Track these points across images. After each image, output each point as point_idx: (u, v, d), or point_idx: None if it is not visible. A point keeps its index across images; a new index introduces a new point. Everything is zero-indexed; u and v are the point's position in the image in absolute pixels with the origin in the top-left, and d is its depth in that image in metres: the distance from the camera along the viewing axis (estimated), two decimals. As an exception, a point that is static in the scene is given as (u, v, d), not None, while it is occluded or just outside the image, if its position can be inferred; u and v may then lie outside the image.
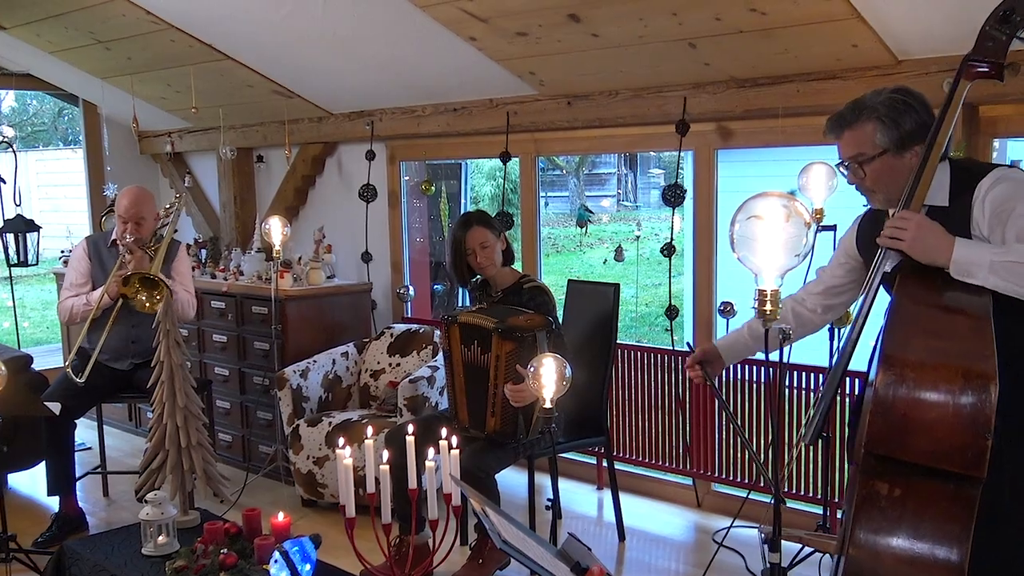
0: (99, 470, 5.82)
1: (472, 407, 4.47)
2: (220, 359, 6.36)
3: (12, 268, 6.39)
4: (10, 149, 6.41)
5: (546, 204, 18.95)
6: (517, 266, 4.84)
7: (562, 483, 5.52)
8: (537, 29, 4.60)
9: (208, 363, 6.46)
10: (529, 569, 2.39)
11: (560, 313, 4.77)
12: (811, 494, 4.79)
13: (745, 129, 4.94)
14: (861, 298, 2.82)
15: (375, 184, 6.51)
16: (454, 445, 3.21)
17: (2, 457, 4.87)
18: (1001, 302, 2.53)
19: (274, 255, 5.70)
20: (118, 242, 5.24)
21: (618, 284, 4.99)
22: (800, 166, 4.31)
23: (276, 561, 3.12)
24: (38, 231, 6.65)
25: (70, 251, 5.82)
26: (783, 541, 2.71)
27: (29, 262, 6.65)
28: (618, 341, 5.05)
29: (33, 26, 6.27)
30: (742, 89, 4.66)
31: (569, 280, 5.32)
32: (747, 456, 5.06)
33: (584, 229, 17.76)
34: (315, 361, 5.75)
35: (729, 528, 4.63)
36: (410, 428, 3.35)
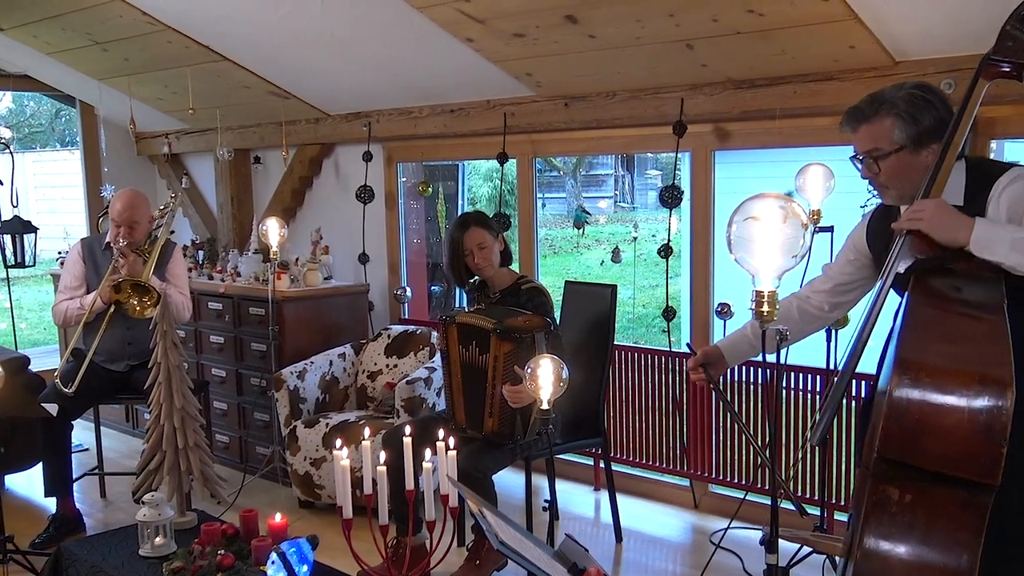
0: (96, 471, 5.81)
1: (470, 408, 4.47)
2: (217, 360, 6.36)
3: (9, 269, 6.39)
4: (7, 150, 6.41)
5: (543, 205, 18.97)
6: (514, 267, 4.84)
7: (559, 484, 5.53)
8: (534, 30, 4.60)
9: (205, 364, 6.46)
10: (526, 570, 2.39)
11: (557, 314, 4.77)
12: (808, 495, 4.79)
13: (742, 130, 4.94)
14: (873, 295, 2.78)
15: (372, 185, 6.51)
16: (451, 446, 3.21)
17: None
18: (1017, 298, 2.51)
19: (271, 256, 5.70)
20: (112, 245, 5.23)
21: (615, 285, 4.99)
22: (797, 167, 4.32)
23: (273, 562, 3.12)
24: (35, 232, 6.65)
25: (67, 252, 5.81)
26: (785, 542, 2.70)
27: (26, 263, 6.65)
28: (615, 342, 5.05)
29: (30, 27, 6.27)
30: (739, 90, 4.66)
31: (566, 281, 5.32)
32: (745, 457, 5.06)
33: (581, 230, 17.74)
34: (312, 362, 5.75)
35: (726, 529, 4.64)
36: (407, 429, 3.36)
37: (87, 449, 6.50)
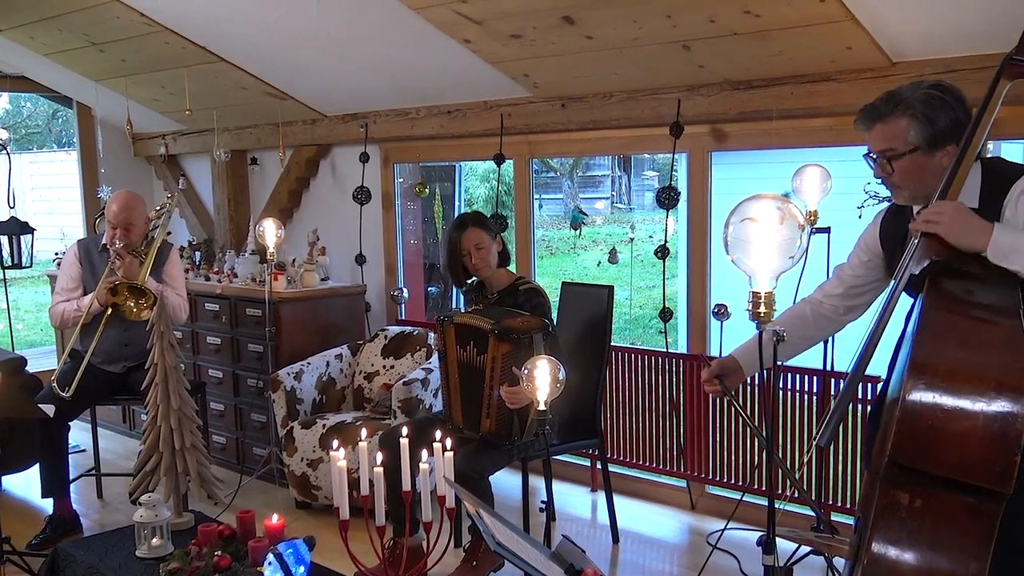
0: (93, 472, 5.81)
1: (467, 408, 4.47)
2: (214, 361, 6.36)
3: (6, 270, 6.39)
4: (4, 151, 6.41)
5: (540, 206, 18.93)
6: (511, 268, 4.84)
7: (556, 485, 5.51)
8: (531, 31, 4.60)
9: (202, 365, 6.46)
10: (523, 571, 2.39)
11: (554, 315, 4.77)
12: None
13: (739, 131, 4.95)
14: (885, 296, 2.73)
15: (369, 186, 6.51)
16: (448, 447, 3.21)
17: (-4, 459, 4.87)
18: None
19: (268, 257, 5.70)
20: (108, 247, 5.22)
21: (612, 286, 5.00)
22: (794, 168, 4.32)
23: (270, 563, 3.12)
24: (32, 233, 6.65)
25: (63, 254, 5.81)
26: (783, 543, 2.70)
27: (23, 264, 6.65)
28: (612, 343, 5.06)
29: (27, 28, 6.26)
30: (736, 91, 4.67)
31: (563, 282, 5.33)
32: (742, 458, 5.06)
33: (578, 231, 17.72)
34: (309, 363, 5.74)
35: (723, 530, 4.64)
36: (404, 430, 3.35)
37: (84, 450, 6.50)
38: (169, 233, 5.51)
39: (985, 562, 2.30)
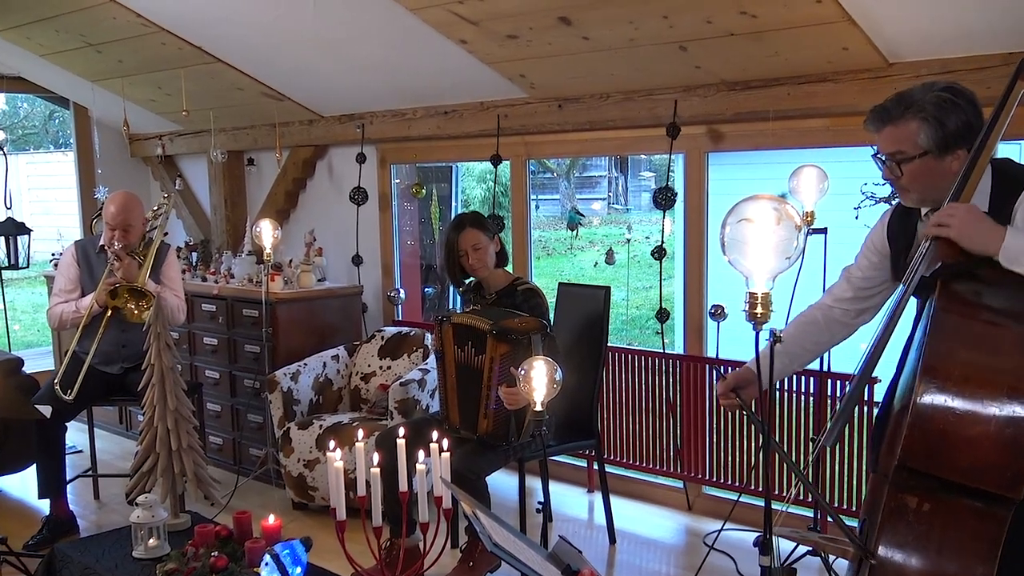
0: (90, 473, 5.81)
1: (464, 408, 4.47)
2: (211, 362, 6.36)
3: (3, 271, 6.39)
4: (1, 152, 6.41)
5: (536, 207, 18.95)
6: (508, 268, 4.84)
7: (553, 486, 5.52)
8: (528, 32, 4.60)
9: (199, 366, 6.45)
10: (520, 572, 2.39)
11: (551, 316, 4.76)
12: (802, 497, 4.79)
13: (736, 132, 4.95)
14: (893, 301, 2.70)
15: (366, 187, 6.51)
16: (445, 448, 3.21)
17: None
18: None
19: (265, 258, 5.70)
20: (106, 249, 5.22)
21: (609, 287, 5.00)
22: (791, 169, 4.32)
23: (267, 564, 3.12)
24: (29, 234, 6.65)
25: (60, 254, 5.80)
26: (788, 545, 2.69)
27: (20, 265, 6.65)
28: (609, 344, 5.05)
29: (24, 29, 6.26)
30: (733, 92, 4.67)
31: (560, 283, 5.32)
32: (738, 459, 5.07)
33: (575, 232, 17.74)
34: (306, 364, 5.74)
35: (720, 531, 4.64)
36: (401, 431, 3.35)
37: (81, 451, 6.49)
38: (166, 234, 5.50)
39: (992, 566, 2.30)
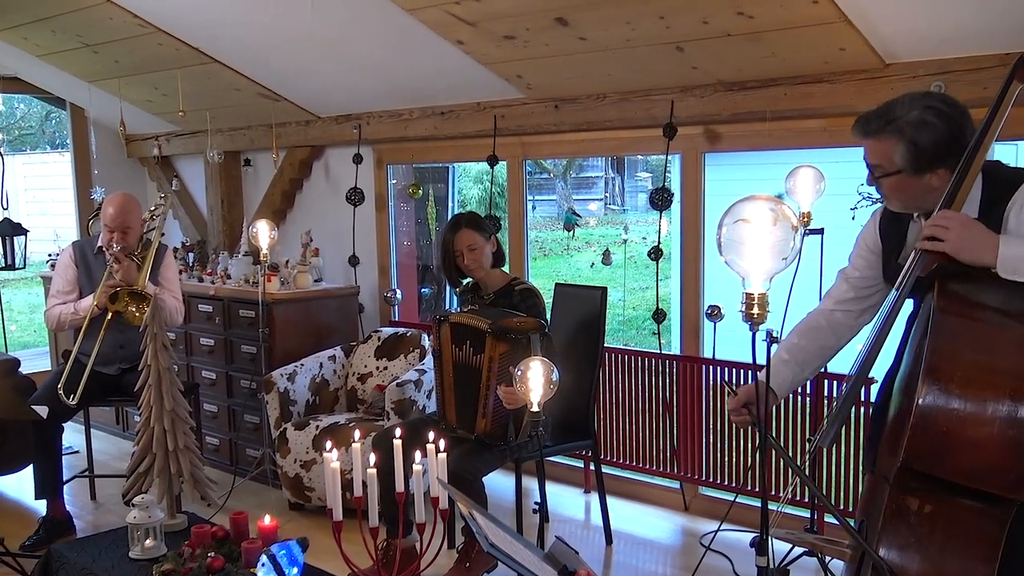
0: (86, 473, 5.81)
1: (461, 408, 4.47)
2: (207, 363, 6.35)
3: (-1, 271, 6.38)
4: (-3, 152, 6.40)
5: (533, 207, 18.91)
6: (505, 269, 4.84)
7: (549, 486, 5.52)
8: (524, 32, 4.60)
9: (195, 367, 6.45)
10: (516, 572, 2.39)
11: (548, 316, 4.77)
12: (798, 497, 4.79)
13: (732, 132, 4.95)
14: (887, 305, 2.69)
15: (362, 188, 6.51)
16: (441, 448, 3.21)
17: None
18: None
19: (261, 258, 5.70)
20: (105, 250, 5.21)
21: (605, 288, 5.00)
22: (787, 169, 4.32)
23: (263, 565, 3.12)
24: (25, 235, 6.64)
25: (57, 255, 5.79)
26: (783, 545, 2.69)
27: (16, 266, 6.64)
28: (605, 344, 5.05)
29: (20, 29, 6.26)
30: (729, 92, 4.67)
31: (556, 283, 5.32)
32: (735, 459, 5.07)
33: (571, 232, 17.74)
34: (302, 364, 5.74)
35: (717, 531, 4.64)
36: (397, 431, 3.35)
37: (77, 451, 6.49)
38: (163, 235, 5.50)
39: (993, 567, 2.30)
